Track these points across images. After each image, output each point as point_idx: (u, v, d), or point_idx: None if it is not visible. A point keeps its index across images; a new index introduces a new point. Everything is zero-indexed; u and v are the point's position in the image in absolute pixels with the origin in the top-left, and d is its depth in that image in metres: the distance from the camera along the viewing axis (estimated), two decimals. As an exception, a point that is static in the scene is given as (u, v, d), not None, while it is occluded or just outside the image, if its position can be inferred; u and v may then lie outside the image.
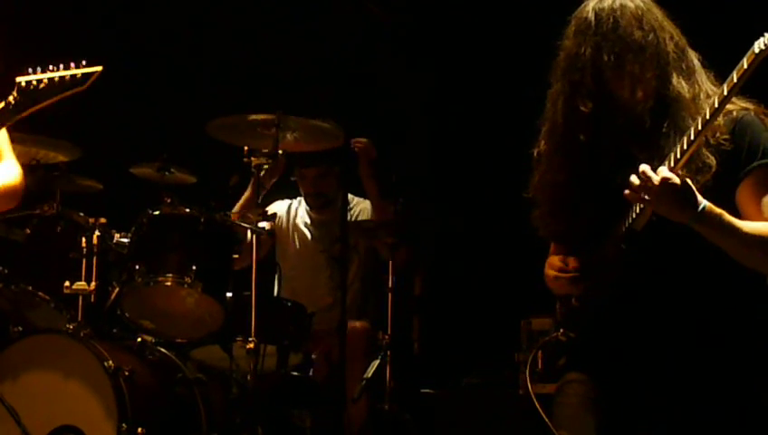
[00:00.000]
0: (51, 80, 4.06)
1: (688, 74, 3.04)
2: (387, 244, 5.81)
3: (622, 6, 3.04)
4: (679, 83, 3.01)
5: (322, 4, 5.79)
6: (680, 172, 2.84)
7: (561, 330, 3.28)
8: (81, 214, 5.37)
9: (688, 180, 2.83)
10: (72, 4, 7.19)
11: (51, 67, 4.05)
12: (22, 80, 4.01)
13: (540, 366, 3.42)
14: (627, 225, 3.02)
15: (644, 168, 2.84)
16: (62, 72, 4.06)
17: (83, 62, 4.03)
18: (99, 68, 4.12)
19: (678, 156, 2.84)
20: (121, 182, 5.89)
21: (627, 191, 2.88)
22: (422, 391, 6.15)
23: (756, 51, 2.68)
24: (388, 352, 5.55)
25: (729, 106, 2.89)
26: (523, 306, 5.63)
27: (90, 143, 5.76)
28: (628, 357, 3.12)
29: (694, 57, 3.09)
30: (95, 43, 7.18)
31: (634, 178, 2.85)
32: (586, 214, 3.13)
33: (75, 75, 4.12)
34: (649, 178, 2.82)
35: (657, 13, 3.08)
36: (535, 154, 3.26)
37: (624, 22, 3.02)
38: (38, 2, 6.97)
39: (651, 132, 3.00)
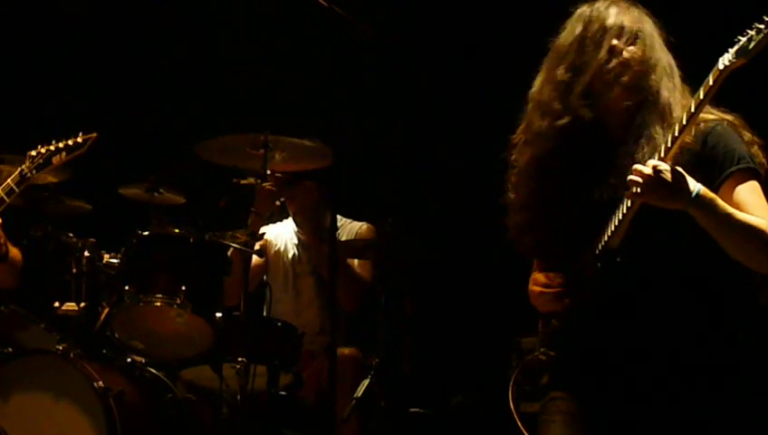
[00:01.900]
0: (57, 147, 4.89)
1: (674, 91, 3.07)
2: (376, 263, 5.82)
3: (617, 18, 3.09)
4: (667, 99, 3.04)
5: (312, 24, 5.80)
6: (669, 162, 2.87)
7: (542, 349, 3.29)
8: (71, 235, 5.38)
9: (678, 167, 2.86)
10: (62, 25, 7.21)
11: (53, 142, 4.89)
12: (32, 152, 4.83)
13: (527, 385, 3.44)
14: (602, 244, 3.04)
15: (635, 165, 2.87)
16: (65, 142, 4.88)
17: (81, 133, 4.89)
18: (94, 134, 5.00)
19: (662, 154, 2.87)
20: (110, 203, 5.89)
21: (628, 189, 2.89)
22: (412, 410, 6.15)
23: (720, 67, 2.75)
24: (379, 372, 5.54)
25: (705, 116, 2.92)
26: (513, 326, 5.64)
27: (78, 164, 5.76)
28: (608, 374, 3.13)
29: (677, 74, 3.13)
30: (86, 64, 7.22)
31: (630, 177, 2.87)
32: (563, 228, 3.15)
33: (77, 141, 4.95)
34: (641, 171, 2.84)
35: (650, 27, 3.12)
36: (511, 167, 3.29)
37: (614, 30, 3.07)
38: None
39: (627, 146, 3.03)
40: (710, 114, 3.02)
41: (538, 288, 3.26)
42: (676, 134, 2.84)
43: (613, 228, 2.99)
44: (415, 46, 6.71)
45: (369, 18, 4.75)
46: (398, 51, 6.03)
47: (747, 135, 3.04)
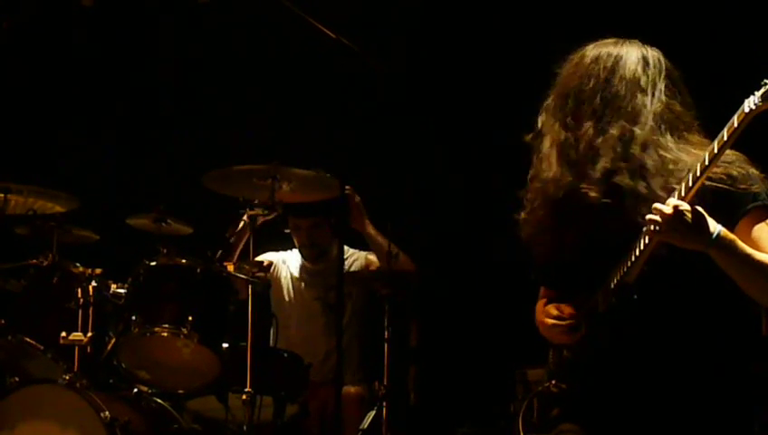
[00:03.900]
0: None
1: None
2: (382, 295, 5.83)
3: (617, 57, 3.12)
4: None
5: (319, 55, 5.83)
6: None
7: (553, 381, 3.29)
8: (78, 265, 5.38)
9: (699, 208, 2.86)
10: (69, 55, 7.25)
11: None
12: None
13: (534, 416, 3.44)
14: (618, 278, 3.04)
15: (655, 205, 2.88)
16: None
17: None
18: None
19: (683, 194, 2.87)
20: (118, 233, 5.90)
21: (648, 227, 2.90)
22: (418, 441, 6.15)
23: (747, 110, 2.72)
24: (385, 403, 5.54)
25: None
26: (518, 357, 5.64)
27: (86, 194, 5.79)
28: (619, 410, 3.12)
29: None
30: (93, 94, 7.25)
31: (650, 216, 2.88)
32: (570, 252, 3.16)
33: None
34: (661, 210, 2.85)
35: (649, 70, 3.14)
36: (526, 196, 3.31)
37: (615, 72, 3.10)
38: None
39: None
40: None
41: (551, 320, 3.26)
42: (699, 173, 2.84)
43: (629, 264, 2.99)
44: (421, 77, 6.75)
45: (377, 50, 4.79)
46: (404, 82, 6.08)
47: (756, 171, 3.05)
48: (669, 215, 2.83)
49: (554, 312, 3.25)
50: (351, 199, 5.96)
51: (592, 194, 3.03)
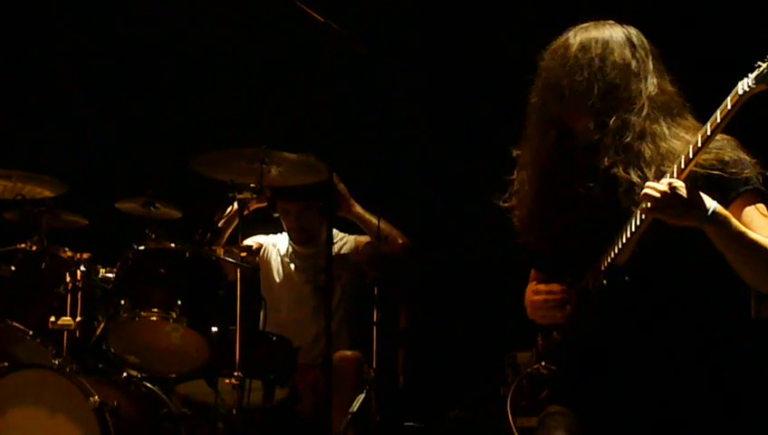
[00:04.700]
0: None
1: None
2: (372, 278, 5.83)
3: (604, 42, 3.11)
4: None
5: (307, 39, 5.82)
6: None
7: (543, 363, 3.30)
8: (66, 249, 5.37)
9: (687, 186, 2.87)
10: (58, 38, 7.23)
11: None
12: None
13: (524, 400, 3.43)
14: (608, 260, 3.04)
15: (648, 183, 2.88)
16: None
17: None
18: None
19: (675, 175, 2.87)
20: (106, 217, 5.89)
21: (642, 207, 2.90)
22: (407, 424, 6.15)
23: (740, 92, 2.72)
24: (374, 386, 5.55)
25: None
26: (508, 340, 5.65)
27: (75, 179, 5.77)
28: (609, 391, 3.13)
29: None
30: (81, 78, 7.23)
31: (645, 191, 2.88)
32: (561, 239, 3.16)
33: None
34: (655, 187, 2.85)
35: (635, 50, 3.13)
36: (515, 175, 3.31)
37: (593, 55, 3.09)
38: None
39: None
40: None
41: (539, 297, 3.25)
42: (691, 156, 2.84)
43: (620, 246, 2.99)
44: (410, 60, 6.75)
45: (365, 33, 4.78)
46: (393, 65, 6.07)
47: (746, 156, 3.04)
48: (664, 191, 2.82)
49: (543, 289, 3.25)
50: (335, 187, 5.95)
51: (596, 190, 3.03)
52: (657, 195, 2.84)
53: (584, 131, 3.08)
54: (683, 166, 2.85)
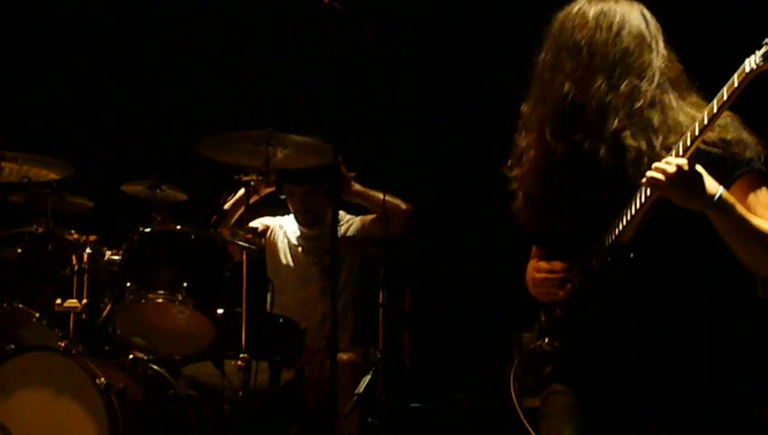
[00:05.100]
0: None
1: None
2: (377, 260, 5.84)
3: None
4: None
5: (314, 21, 5.81)
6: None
7: (546, 339, 3.29)
8: (72, 232, 5.39)
9: (700, 167, 2.86)
10: (63, 22, 7.23)
11: None
12: None
13: (529, 380, 3.43)
14: (613, 236, 3.04)
15: (656, 163, 2.87)
16: None
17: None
18: None
19: (681, 152, 2.86)
20: (112, 200, 5.90)
21: (643, 180, 2.89)
22: (413, 405, 6.16)
23: (747, 70, 2.70)
24: (380, 368, 5.55)
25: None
26: (514, 321, 5.64)
27: (81, 161, 5.78)
28: (613, 368, 3.13)
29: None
30: (87, 61, 7.23)
31: (650, 173, 2.87)
32: (564, 213, 3.15)
33: None
34: (663, 169, 2.84)
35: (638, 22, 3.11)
36: (517, 150, 3.29)
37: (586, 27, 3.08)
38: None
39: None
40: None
41: (541, 274, 3.25)
42: (697, 133, 2.82)
43: (625, 223, 2.99)
44: (415, 41, 6.73)
45: (370, 13, 4.77)
46: (398, 47, 6.06)
47: (749, 136, 3.03)
48: (672, 173, 2.81)
49: (546, 266, 3.24)
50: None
51: (601, 153, 3.02)
52: (663, 177, 2.83)
53: (595, 91, 3.05)
54: (688, 143, 2.84)
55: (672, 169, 2.82)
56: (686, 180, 2.82)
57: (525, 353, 3.38)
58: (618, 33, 3.07)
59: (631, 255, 3.00)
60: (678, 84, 3.09)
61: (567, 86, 3.10)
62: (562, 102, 3.10)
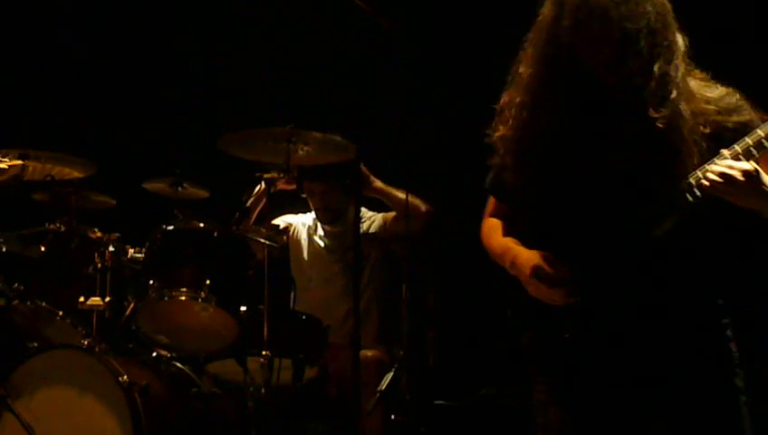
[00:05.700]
0: None
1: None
2: (401, 256, 5.83)
3: None
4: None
5: (333, 18, 5.80)
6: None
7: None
8: (95, 230, 5.40)
9: (760, 169, 2.83)
10: (84, 19, 7.24)
11: None
12: None
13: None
14: (647, 231, 2.99)
15: (728, 162, 2.84)
16: None
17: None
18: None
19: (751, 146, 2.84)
20: (135, 198, 5.91)
21: (705, 183, 2.86)
22: (437, 402, 6.14)
23: None
24: (403, 365, 5.54)
25: (718, 92, 2.88)
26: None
27: (103, 159, 5.78)
28: (630, 358, 3.12)
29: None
30: (109, 59, 7.25)
31: (711, 175, 2.85)
32: (564, 183, 3.10)
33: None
34: (742, 170, 2.82)
35: None
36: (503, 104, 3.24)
37: None
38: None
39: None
40: (717, 88, 3.01)
41: (544, 288, 3.20)
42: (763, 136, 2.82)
43: (659, 216, 2.95)
44: (436, 39, 6.71)
45: (391, 11, 4.75)
46: (420, 44, 6.04)
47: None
48: (743, 180, 2.80)
49: (547, 269, 3.19)
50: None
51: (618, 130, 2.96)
52: (743, 178, 2.80)
53: (625, 71, 2.97)
54: (755, 146, 2.82)
55: (741, 177, 2.81)
56: (755, 186, 2.82)
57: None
58: (654, 5, 2.97)
59: (666, 249, 2.96)
60: (690, 63, 3.08)
61: (595, 56, 2.98)
62: (580, 72, 3.02)
